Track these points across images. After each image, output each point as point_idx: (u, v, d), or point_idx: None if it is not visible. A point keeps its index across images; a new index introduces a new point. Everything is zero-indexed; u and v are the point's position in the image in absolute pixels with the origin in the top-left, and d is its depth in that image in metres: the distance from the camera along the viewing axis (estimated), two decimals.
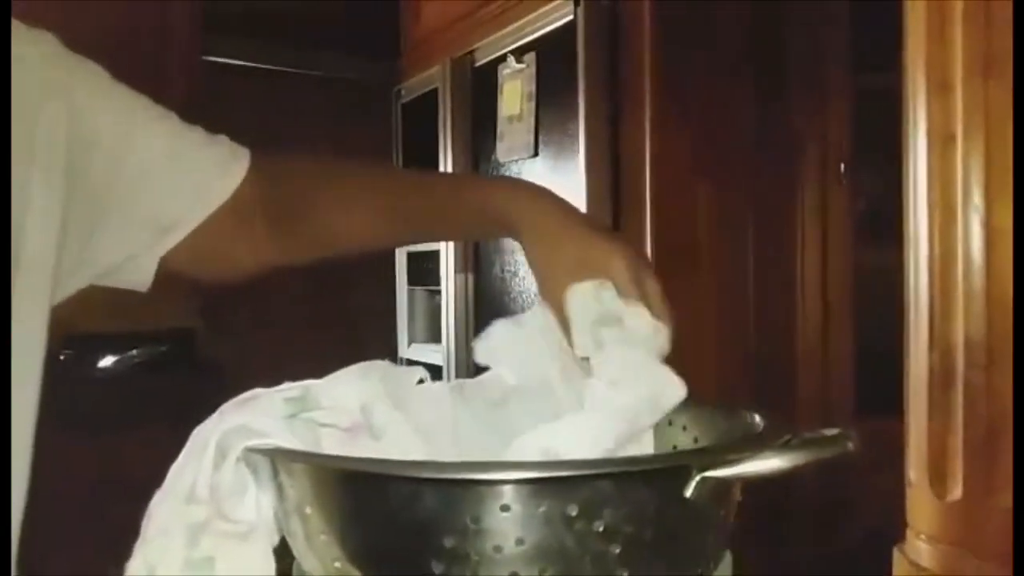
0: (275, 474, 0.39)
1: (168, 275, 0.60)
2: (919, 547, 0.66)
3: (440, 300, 1.81)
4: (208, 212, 0.58)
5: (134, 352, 1.74)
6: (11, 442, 0.49)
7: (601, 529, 0.35)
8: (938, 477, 0.65)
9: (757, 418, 0.45)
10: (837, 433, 0.40)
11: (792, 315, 1.60)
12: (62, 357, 1.71)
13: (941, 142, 0.62)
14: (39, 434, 0.52)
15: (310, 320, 2.09)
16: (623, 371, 0.44)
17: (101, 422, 1.69)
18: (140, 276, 0.60)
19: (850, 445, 0.39)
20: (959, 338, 0.62)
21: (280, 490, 0.39)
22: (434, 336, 1.92)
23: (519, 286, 1.69)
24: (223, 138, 0.62)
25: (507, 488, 0.33)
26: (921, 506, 0.67)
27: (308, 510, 0.38)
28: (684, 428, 0.50)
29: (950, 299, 0.64)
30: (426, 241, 0.57)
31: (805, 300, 1.59)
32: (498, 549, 0.35)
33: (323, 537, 0.39)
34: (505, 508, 0.34)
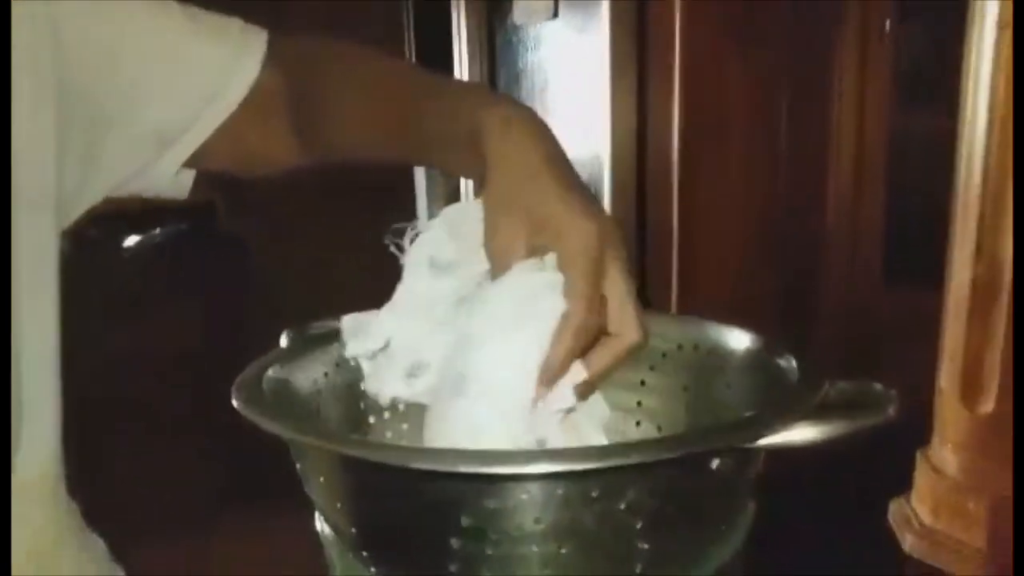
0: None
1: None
2: (944, 455, 0.66)
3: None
4: (221, 119, 0.53)
5: (157, 231, 1.74)
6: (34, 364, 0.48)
7: (623, 507, 0.34)
8: (970, 389, 0.64)
9: (792, 363, 0.43)
10: (877, 393, 0.38)
11: (823, 183, 1.54)
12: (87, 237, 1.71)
13: None
14: (70, 319, 0.51)
15: (328, 189, 2.05)
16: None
17: (132, 301, 1.71)
18: (165, 184, 0.56)
19: (891, 411, 0.36)
20: (1007, 252, 0.59)
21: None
22: (453, 200, 1.89)
23: None
24: (235, 23, 0.54)
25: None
26: (950, 415, 0.65)
27: (321, 479, 0.38)
28: (720, 368, 0.48)
29: (1002, 208, 0.59)
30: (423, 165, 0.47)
31: (838, 167, 1.52)
32: (517, 528, 0.34)
33: (339, 505, 0.38)
34: (524, 492, 0.33)
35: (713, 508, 0.37)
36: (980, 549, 0.62)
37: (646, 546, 0.35)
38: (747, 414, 0.35)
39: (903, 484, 0.72)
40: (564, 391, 0.38)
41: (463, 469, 0.31)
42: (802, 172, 1.50)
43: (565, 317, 0.38)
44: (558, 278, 0.38)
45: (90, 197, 0.53)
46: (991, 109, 0.59)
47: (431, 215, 0.46)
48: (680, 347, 0.55)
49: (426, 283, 0.43)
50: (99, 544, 0.60)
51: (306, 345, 0.53)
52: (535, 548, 0.34)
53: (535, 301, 0.38)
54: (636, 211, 1.54)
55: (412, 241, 0.44)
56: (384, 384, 0.44)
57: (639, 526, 0.35)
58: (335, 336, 0.54)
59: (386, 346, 0.44)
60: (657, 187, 1.47)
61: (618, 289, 0.38)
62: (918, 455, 0.69)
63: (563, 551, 0.34)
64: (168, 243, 1.74)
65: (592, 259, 0.38)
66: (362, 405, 0.50)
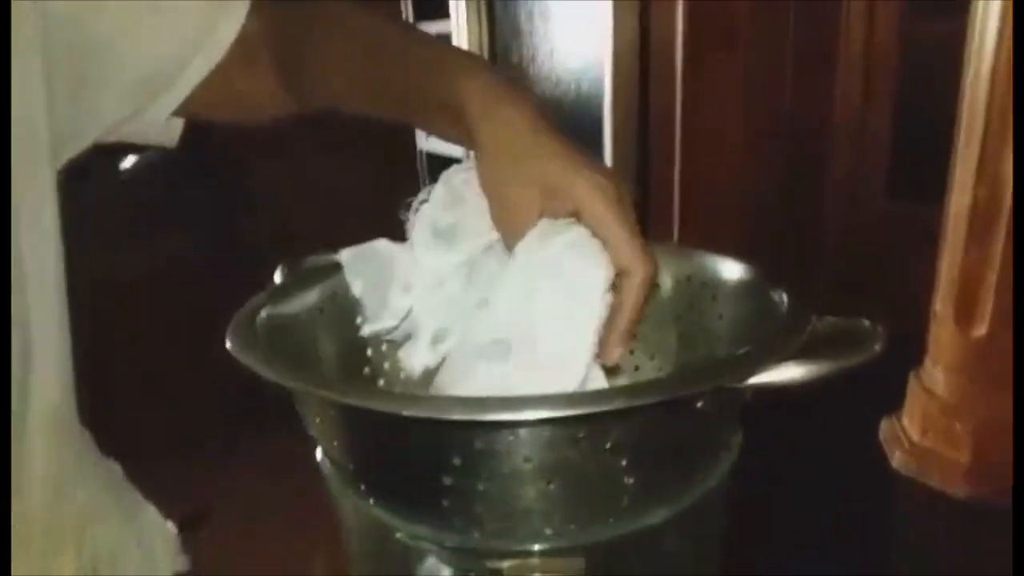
0: None
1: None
2: (936, 376, 0.66)
3: None
4: (212, 65, 0.52)
5: (153, 152, 1.71)
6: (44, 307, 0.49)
7: (608, 446, 0.35)
8: (965, 312, 0.64)
9: (783, 296, 0.43)
10: (864, 330, 0.38)
11: (830, 92, 1.50)
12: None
13: None
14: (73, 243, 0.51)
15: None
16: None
17: (132, 225, 1.71)
18: (155, 132, 0.55)
19: (877, 347, 0.37)
20: (1008, 174, 0.58)
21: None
22: None
23: (538, 72, 1.59)
24: None
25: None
26: (944, 338, 0.66)
27: (318, 420, 0.38)
28: (713, 298, 0.49)
29: (1005, 130, 0.58)
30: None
31: (845, 76, 1.48)
32: (506, 466, 0.35)
33: (335, 444, 0.39)
34: (512, 434, 0.34)
35: (698, 444, 0.38)
36: (964, 466, 0.64)
37: (632, 480, 0.36)
38: (732, 353, 0.35)
39: (897, 402, 0.73)
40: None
41: (453, 416, 0.31)
42: (809, 81, 1.46)
43: (629, 274, 0.38)
44: (579, 235, 0.39)
45: (79, 143, 0.52)
46: (1002, 18, 0.57)
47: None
48: (675, 278, 0.55)
49: (432, 254, 0.44)
50: (115, 469, 0.62)
51: (301, 280, 0.53)
52: (525, 485, 0.35)
53: (562, 264, 0.39)
54: (638, 122, 1.51)
55: (416, 212, 0.44)
56: (413, 358, 0.46)
57: (624, 463, 0.36)
58: (330, 270, 0.55)
59: (403, 321, 0.46)
60: (660, 98, 1.44)
61: (632, 230, 0.39)
62: (911, 375, 0.70)
63: (551, 486, 0.35)
64: (164, 164, 1.72)
65: (620, 207, 0.38)
66: (360, 335, 0.50)
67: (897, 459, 0.68)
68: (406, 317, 0.46)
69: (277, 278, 0.56)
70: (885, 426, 0.72)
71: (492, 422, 0.32)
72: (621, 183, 0.40)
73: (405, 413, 0.32)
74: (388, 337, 0.49)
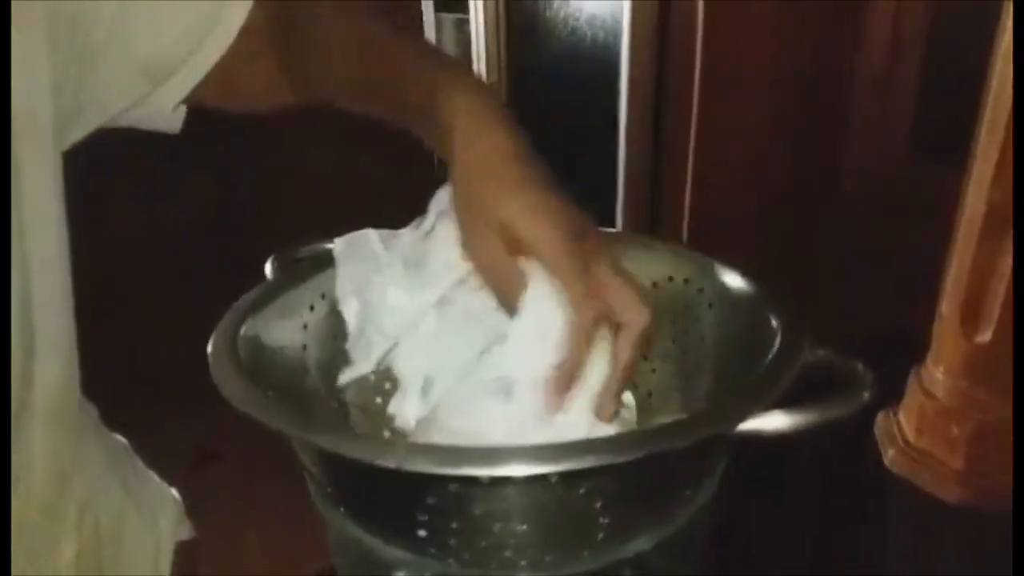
0: None
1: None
2: (936, 377, 0.66)
3: (469, 29, 1.67)
4: (219, 53, 0.52)
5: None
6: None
7: (582, 492, 0.35)
8: (970, 316, 0.62)
9: (775, 323, 0.42)
10: (853, 373, 0.37)
11: (857, 44, 1.44)
12: None
13: None
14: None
15: None
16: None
17: (145, 177, 1.69)
18: (159, 120, 0.55)
19: (865, 396, 0.36)
20: None
21: None
22: (466, 60, 1.81)
23: (555, 10, 1.54)
24: None
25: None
26: (947, 340, 0.65)
27: (295, 443, 0.38)
28: (710, 306, 0.48)
29: None
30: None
31: (873, 28, 1.42)
32: (480, 508, 0.35)
33: (314, 469, 0.39)
34: (484, 479, 0.33)
35: (677, 482, 0.38)
36: (958, 471, 0.63)
37: (606, 520, 0.36)
38: (712, 407, 0.35)
39: (898, 394, 0.72)
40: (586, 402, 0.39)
41: (424, 470, 0.31)
42: (835, 29, 1.40)
43: (571, 324, 0.38)
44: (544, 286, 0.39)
45: (85, 127, 0.52)
46: None
47: None
48: (671, 279, 0.54)
49: (405, 294, 0.44)
50: (119, 443, 0.63)
51: (290, 280, 0.53)
52: (499, 523, 0.35)
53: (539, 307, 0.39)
54: (655, 73, 1.47)
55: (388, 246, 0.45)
56: (406, 410, 0.46)
57: (598, 505, 0.35)
58: (322, 262, 0.54)
59: (379, 367, 0.46)
60: (679, 44, 1.39)
61: (608, 276, 0.38)
62: (911, 373, 0.69)
63: (525, 528, 0.35)
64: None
65: (574, 259, 0.37)
66: (346, 345, 0.50)
67: (890, 457, 0.68)
68: (382, 362, 0.46)
69: (267, 271, 0.55)
70: (881, 420, 0.72)
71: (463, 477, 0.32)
72: (586, 219, 0.39)
73: (377, 463, 0.32)
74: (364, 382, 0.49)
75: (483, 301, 0.43)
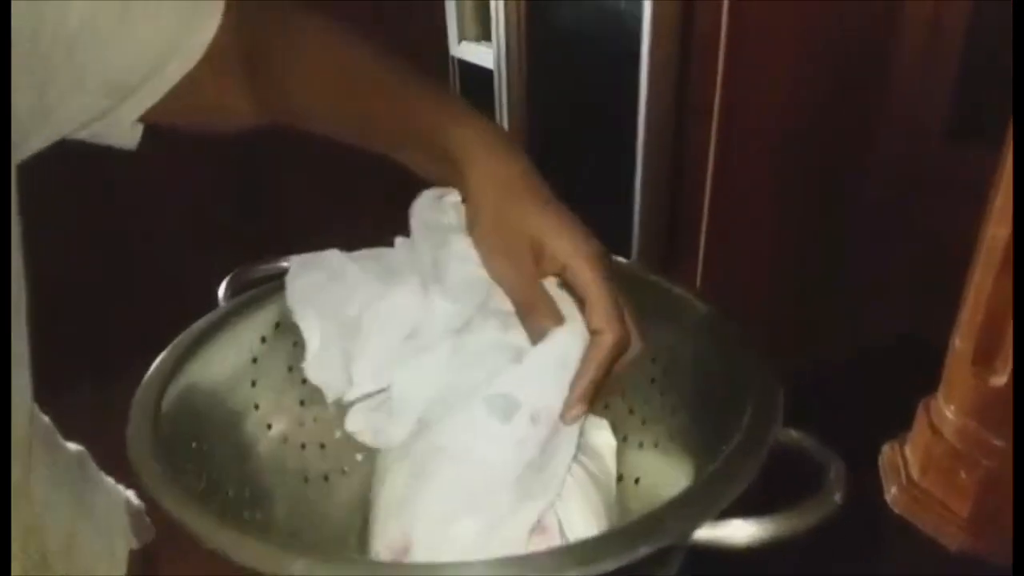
0: None
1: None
2: (946, 415, 0.61)
3: None
4: (183, 72, 0.50)
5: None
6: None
7: None
8: (985, 355, 0.57)
9: (746, 417, 0.37)
10: (824, 468, 0.33)
11: (897, 19, 1.35)
12: None
13: None
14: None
15: (355, 17, 1.91)
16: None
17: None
18: (117, 135, 0.53)
19: (837, 498, 0.32)
20: None
21: None
22: (485, 33, 1.75)
23: None
24: None
25: None
26: (958, 376, 0.60)
27: None
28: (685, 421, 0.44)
29: None
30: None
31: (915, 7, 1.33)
32: None
33: None
34: None
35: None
36: (963, 518, 0.59)
37: None
38: (667, 515, 0.31)
39: (906, 422, 0.67)
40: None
41: None
42: (870, 8, 1.31)
43: (600, 334, 0.39)
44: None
45: (42, 140, 0.50)
46: None
47: None
48: (655, 314, 0.50)
49: (419, 307, 0.43)
50: (71, 455, 0.61)
51: (242, 306, 0.49)
52: None
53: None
54: (679, 47, 1.39)
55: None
56: (391, 431, 0.43)
57: None
58: (279, 285, 0.51)
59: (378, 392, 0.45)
60: (703, 22, 1.31)
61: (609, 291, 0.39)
62: (920, 405, 0.65)
63: None
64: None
65: (603, 270, 0.39)
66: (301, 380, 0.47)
67: (892, 494, 0.64)
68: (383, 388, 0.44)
69: (220, 295, 0.52)
70: (887, 452, 0.68)
71: None
72: (603, 249, 0.40)
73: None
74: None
75: (502, 323, 0.41)
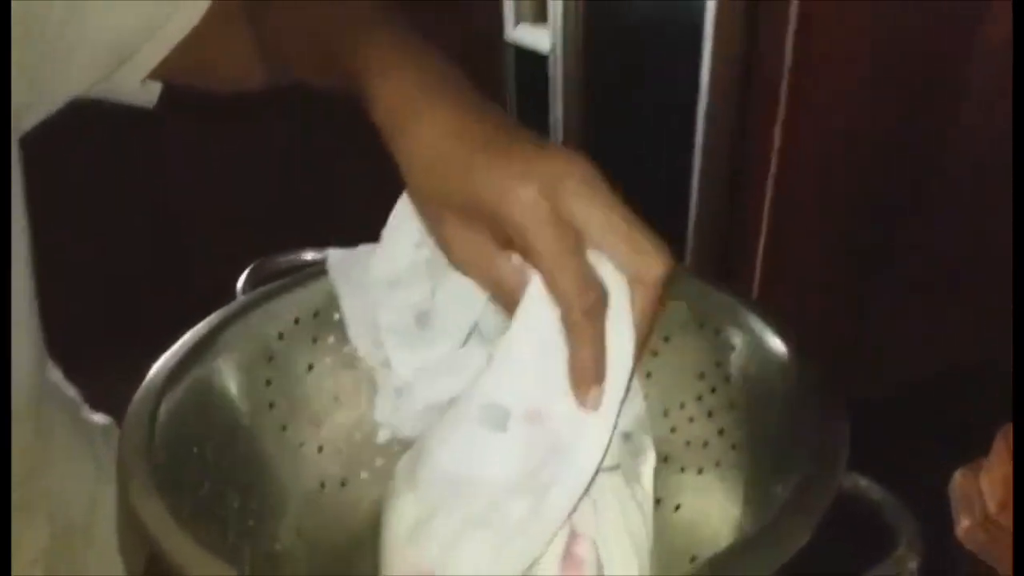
0: None
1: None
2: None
3: None
4: (181, 33, 0.50)
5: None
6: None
7: None
8: None
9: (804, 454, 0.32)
10: (898, 519, 0.28)
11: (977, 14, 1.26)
12: None
13: None
14: None
15: None
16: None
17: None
18: (128, 93, 0.53)
19: (913, 567, 0.27)
20: None
21: None
22: (542, 15, 1.71)
23: None
24: None
25: None
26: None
27: None
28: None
29: None
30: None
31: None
32: None
33: None
34: None
35: None
36: None
37: None
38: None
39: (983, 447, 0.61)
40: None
41: None
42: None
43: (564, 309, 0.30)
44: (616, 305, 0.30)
45: (44, 109, 0.50)
46: None
47: None
48: (702, 326, 0.45)
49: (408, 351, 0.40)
50: (96, 424, 0.61)
51: (260, 300, 0.46)
52: None
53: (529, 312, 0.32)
54: (745, 35, 1.32)
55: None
56: (402, 425, 0.42)
57: None
58: (301, 279, 0.48)
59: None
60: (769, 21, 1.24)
61: (603, 221, 0.29)
62: (998, 433, 0.58)
63: None
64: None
65: (544, 219, 0.28)
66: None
67: (964, 528, 0.58)
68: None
69: (239, 288, 0.49)
70: (959, 480, 0.61)
71: None
72: (565, 154, 0.30)
73: None
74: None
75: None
